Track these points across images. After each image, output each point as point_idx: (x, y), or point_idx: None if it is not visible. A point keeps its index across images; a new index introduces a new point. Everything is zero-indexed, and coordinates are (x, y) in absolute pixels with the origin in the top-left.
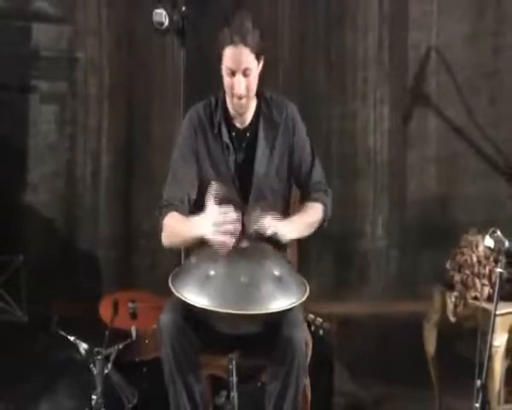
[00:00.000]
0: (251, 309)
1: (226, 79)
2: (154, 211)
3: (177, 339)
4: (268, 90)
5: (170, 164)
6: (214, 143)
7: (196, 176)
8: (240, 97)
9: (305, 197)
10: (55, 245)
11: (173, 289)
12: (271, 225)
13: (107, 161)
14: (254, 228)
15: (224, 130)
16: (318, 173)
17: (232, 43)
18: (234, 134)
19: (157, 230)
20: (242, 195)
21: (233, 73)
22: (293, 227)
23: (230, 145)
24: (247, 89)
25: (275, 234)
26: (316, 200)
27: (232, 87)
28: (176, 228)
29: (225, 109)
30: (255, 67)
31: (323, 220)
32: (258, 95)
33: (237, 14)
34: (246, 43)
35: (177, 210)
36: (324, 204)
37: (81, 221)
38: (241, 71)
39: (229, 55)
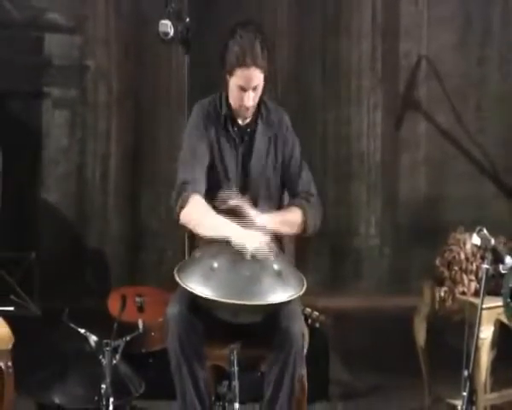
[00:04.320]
0: (251, 300)
1: (235, 93)
2: (172, 192)
3: (183, 329)
4: (266, 96)
5: (182, 147)
6: (221, 134)
7: (208, 150)
8: (247, 108)
9: (290, 202)
10: (66, 243)
11: (178, 280)
12: (253, 214)
13: (116, 163)
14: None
15: (230, 123)
16: (304, 183)
17: (244, 65)
18: (236, 129)
19: (173, 211)
20: (242, 187)
21: (243, 90)
22: (271, 219)
23: (236, 138)
24: (254, 100)
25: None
26: (295, 205)
27: (241, 100)
28: (201, 217)
29: (228, 106)
30: (262, 81)
31: (304, 224)
32: (260, 98)
33: (247, 32)
34: (257, 65)
35: (199, 192)
36: (304, 209)
37: (91, 220)
38: (251, 88)
39: (240, 75)
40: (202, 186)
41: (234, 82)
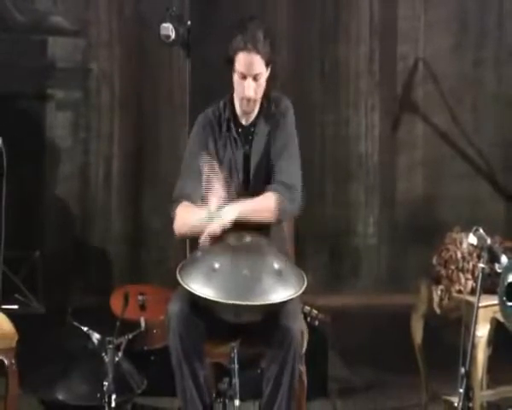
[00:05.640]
0: (252, 300)
1: (237, 82)
2: (170, 207)
3: (184, 327)
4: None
5: (182, 162)
6: (223, 140)
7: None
8: (249, 100)
9: (266, 187)
10: (69, 242)
11: (180, 281)
12: (213, 203)
13: (118, 164)
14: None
15: (233, 126)
16: (287, 173)
17: (245, 49)
18: (240, 130)
19: (169, 225)
20: (246, 185)
21: (244, 77)
22: (234, 208)
23: (238, 140)
24: (256, 92)
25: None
26: (271, 189)
27: (243, 90)
28: (184, 217)
29: (233, 109)
30: (264, 72)
31: (278, 212)
32: (265, 96)
33: (251, 22)
34: (258, 51)
35: (188, 200)
36: (280, 195)
37: (94, 219)
38: (252, 76)
39: (241, 60)
40: (195, 199)
41: (236, 70)
